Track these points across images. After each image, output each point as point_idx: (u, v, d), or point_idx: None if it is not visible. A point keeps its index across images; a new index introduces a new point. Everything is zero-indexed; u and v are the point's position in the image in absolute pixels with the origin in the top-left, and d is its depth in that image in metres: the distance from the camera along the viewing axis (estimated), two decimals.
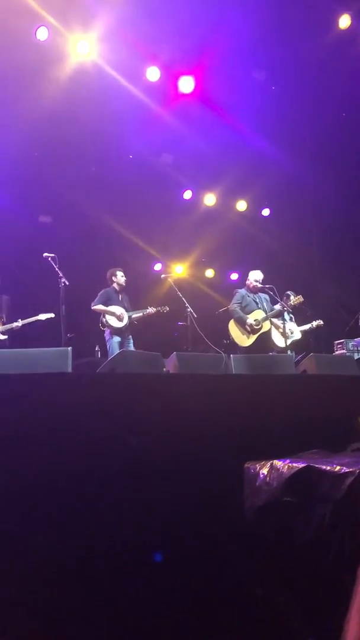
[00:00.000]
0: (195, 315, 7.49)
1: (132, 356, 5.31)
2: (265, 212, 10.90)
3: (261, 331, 7.57)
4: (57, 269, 6.80)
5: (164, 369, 4.89)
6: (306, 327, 8.17)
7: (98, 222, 9.19)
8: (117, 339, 7.42)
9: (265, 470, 2.81)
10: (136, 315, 7.64)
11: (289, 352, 7.95)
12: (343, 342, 8.47)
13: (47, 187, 8.80)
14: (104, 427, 3.24)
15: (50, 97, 7.91)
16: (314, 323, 8.19)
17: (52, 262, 6.84)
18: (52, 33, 7.61)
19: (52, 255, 6.86)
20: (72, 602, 2.87)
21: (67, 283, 6.74)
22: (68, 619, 2.85)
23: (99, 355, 7.95)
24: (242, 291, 7.85)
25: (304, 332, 8.14)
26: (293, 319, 8.14)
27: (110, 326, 7.43)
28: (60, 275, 6.76)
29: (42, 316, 7.35)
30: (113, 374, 4.35)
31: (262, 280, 7.81)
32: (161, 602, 2.93)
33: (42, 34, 7.57)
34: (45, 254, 6.87)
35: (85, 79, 8.09)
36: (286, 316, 7.95)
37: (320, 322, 8.22)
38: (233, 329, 7.74)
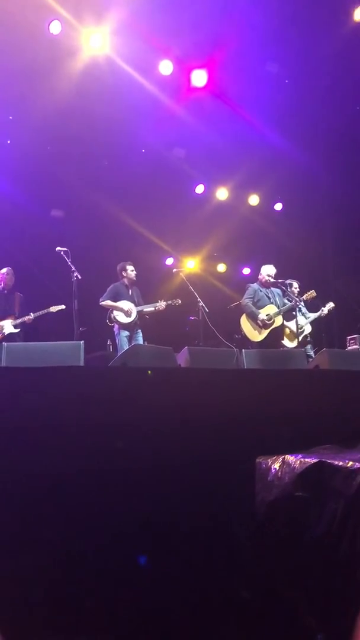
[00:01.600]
0: (207, 310, 7.48)
1: (144, 350, 5.32)
2: (278, 206, 10.84)
3: (273, 326, 7.54)
4: (69, 263, 6.81)
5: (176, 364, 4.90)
6: (316, 315, 8.11)
7: (110, 216, 9.19)
8: (125, 333, 7.42)
9: (277, 465, 2.81)
10: (147, 309, 7.63)
11: (309, 346, 7.95)
12: (356, 337, 8.42)
13: (59, 181, 8.81)
14: (116, 420, 3.25)
15: (62, 91, 7.92)
16: (324, 309, 8.11)
17: (64, 256, 6.85)
18: (65, 27, 7.61)
19: (65, 249, 6.87)
20: (81, 591, 2.89)
21: (80, 277, 6.75)
22: (76, 608, 2.87)
23: (111, 350, 7.96)
24: (255, 286, 7.82)
25: (314, 322, 8.11)
26: (303, 310, 8.10)
27: (117, 322, 7.42)
28: (73, 269, 6.77)
29: (54, 308, 7.38)
30: (125, 367, 4.37)
31: (275, 275, 7.78)
32: (172, 596, 2.94)
33: (55, 27, 7.57)
34: (57, 248, 6.88)
35: (97, 73, 8.08)
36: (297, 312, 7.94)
37: (331, 304, 8.13)
38: (245, 324, 7.72)
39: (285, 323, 7.76)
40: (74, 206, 9.18)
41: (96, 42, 7.88)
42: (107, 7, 7.64)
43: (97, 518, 3.02)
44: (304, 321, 7.99)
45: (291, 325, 7.79)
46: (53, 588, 2.86)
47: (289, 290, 7.61)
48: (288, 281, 7.97)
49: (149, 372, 3.94)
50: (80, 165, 8.92)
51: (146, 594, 2.95)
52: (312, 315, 8.13)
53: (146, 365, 4.54)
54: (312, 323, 8.11)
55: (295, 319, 7.71)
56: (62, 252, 6.86)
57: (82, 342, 4.44)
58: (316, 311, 8.18)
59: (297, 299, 7.64)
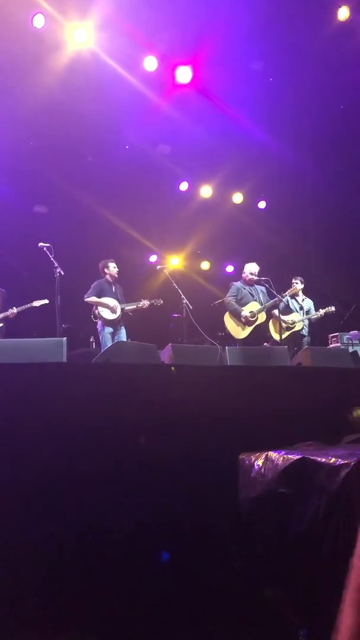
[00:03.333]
0: (191, 307, 7.48)
1: (127, 347, 5.29)
2: (261, 204, 10.87)
3: (256, 323, 7.57)
4: (52, 259, 6.77)
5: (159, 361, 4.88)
6: (312, 316, 8.15)
7: (94, 213, 9.14)
8: (109, 329, 7.41)
9: (260, 462, 2.81)
10: (130, 307, 7.63)
11: (305, 336, 7.99)
12: (337, 335, 8.48)
13: (43, 176, 8.74)
14: (99, 417, 3.23)
15: (46, 86, 7.85)
16: (321, 311, 8.15)
17: (47, 252, 6.80)
18: (48, 21, 7.53)
19: (48, 245, 6.82)
20: (67, 597, 2.87)
21: (63, 273, 6.71)
22: (65, 613, 2.85)
23: (94, 346, 7.93)
24: (238, 284, 7.85)
25: (310, 321, 8.18)
26: (304, 309, 8.14)
27: (102, 318, 7.41)
28: (56, 265, 6.73)
29: (37, 303, 7.34)
30: (108, 364, 4.34)
31: (258, 272, 7.80)
32: (154, 593, 2.93)
33: (38, 21, 7.49)
34: (40, 244, 6.84)
35: (82, 68, 8.01)
36: (295, 305, 7.99)
37: (332, 308, 8.17)
38: (228, 321, 7.74)
39: (278, 315, 7.80)
40: (58, 202, 9.12)
41: (80, 37, 7.81)
42: (91, 2, 7.59)
43: (82, 515, 2.99)
44: (298, 317, 8.04)
45: (285, 318, 7.85)
46: (40, 587, 2.84)
47: (269, 286, 7.65)
48: (293, 280, 8.11)
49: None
50: (64, 161, 8.85)
51: (127, 592, 2.94)
52: (309, 315, 8.17)
53: (129, 362, 4.53)
54: (310, 321, 8.17)
55: (290, 314, 7.80)
56: (44, 248, 6.81)
57: (64, 338, 4.41)
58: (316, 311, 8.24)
59: (280, 297, 7.67)
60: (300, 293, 8.21)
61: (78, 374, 3.73)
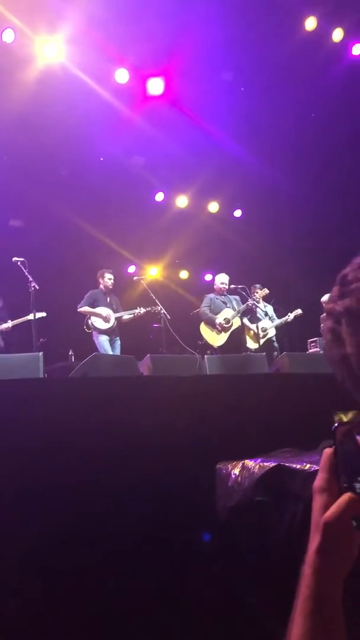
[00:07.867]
0: (169, 317, 7.49)
1: (105, 360, 5.29)
2: (237, 213, 10.94)
3: (232, 329, 7.63)
4: (26, 274, 6.72)
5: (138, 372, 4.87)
6: (282, 320, 8.23)
7: (70, 225, 9.11)
8: (104, 337, 7.41)
9: (236, 471, 2.81)
10: (127, 316, 7.62)
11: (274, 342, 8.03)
12: (316, 340, 8.53)
13: (17, 190, 8.70)
14: (77, 432, 3.21)
15: (17, 100, 7.83)
16: (290, 315, 8.23)
17: (21, 266, 6.76)
18: (18, 35, 7.54)
19: (22, 259, 6.79)
20: (52, 606, 2.84)
21: (37, 287, 6.67)
22: (50, 620, 2.82)
23: (73, 360, 7.87)
24: (210, 295, 7.97)
25: (279, 327, 8.24)
26: (269, 314, 8.21)
27: (96, 328, 7.41)
28: (30, 279, 6.69)
29: (32, 316, 7.22)
30: (85, 378, 4.33)
31: (229, 282, 7.88)
32: (133, 602, 2.91)
33: (8, 36, 7.50)
34: (14, 259, 6.79)
35: (53, 82, 8.02)
36: (261, 312, 8.04)
37: (299, 311, 8.27)
38: (205, 330, 7.80)
39: (250, 325, 7.87)
40: (33, 216, 9.08)
41: (50, 51, 7.83)
42: (61, 16, 7.61)
43: (60, 531, 2.97)
44: (269, 324, 8.10)
45: (254, 327, 7.92)
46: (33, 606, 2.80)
47: (245, 293, 7.73)
48: (253, 285, 8.16)
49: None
50: (38, 174, 8.82)
51: (112, 600, 2.91)
52: (278, 320, 8.25)
53: (107, 375, 4.51)
54: (277, 327, 8.24)
55: (259, 321, 7.87)
56: (18, 263, 6.77)
57: (40, 353, 4.40)
58: (283, 316, 8.31)
59: (252, 300, 7.74)
60: (261, 300, 8.31)
61: (55, 389, 3.71)
